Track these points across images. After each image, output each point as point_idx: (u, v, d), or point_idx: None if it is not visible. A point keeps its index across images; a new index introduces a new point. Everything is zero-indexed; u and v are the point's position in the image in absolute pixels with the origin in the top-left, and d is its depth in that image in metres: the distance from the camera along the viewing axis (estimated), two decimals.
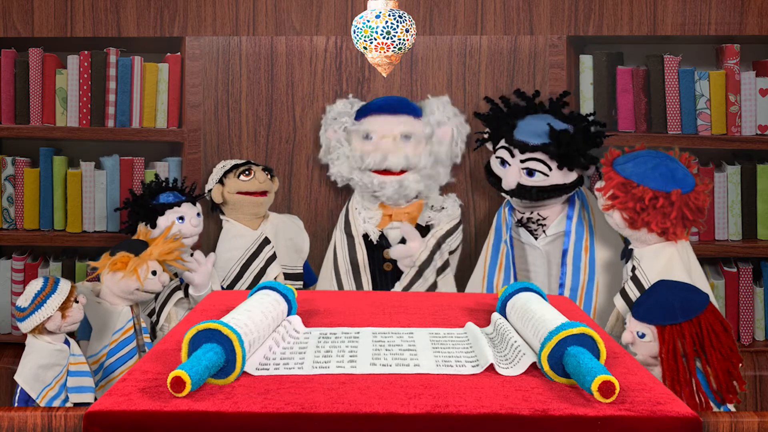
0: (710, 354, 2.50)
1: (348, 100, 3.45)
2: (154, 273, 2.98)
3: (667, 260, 2.87)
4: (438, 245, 3.35)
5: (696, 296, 2.57)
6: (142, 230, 3.15)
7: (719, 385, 2.49)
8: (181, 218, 3.20)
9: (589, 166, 3.18)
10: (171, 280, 3.10)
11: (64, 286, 2.80)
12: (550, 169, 3.14)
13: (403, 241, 3.35)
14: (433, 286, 3.33)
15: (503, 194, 3.26)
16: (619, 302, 2.94)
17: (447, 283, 3.38)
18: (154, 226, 3.17)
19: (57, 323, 2.77)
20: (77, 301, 2.82)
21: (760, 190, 3.43)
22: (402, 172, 3.31)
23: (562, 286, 3.19)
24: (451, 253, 3.42)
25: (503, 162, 3.22)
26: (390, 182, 3.29)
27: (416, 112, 3.37)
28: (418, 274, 3.32)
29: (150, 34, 3.48)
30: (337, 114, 3.41)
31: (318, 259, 3.52)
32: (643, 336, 2.61)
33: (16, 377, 2.78)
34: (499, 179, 3.23)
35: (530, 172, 3.15)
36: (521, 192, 3.16)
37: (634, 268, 2.93)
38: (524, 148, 3.15)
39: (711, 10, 3.39)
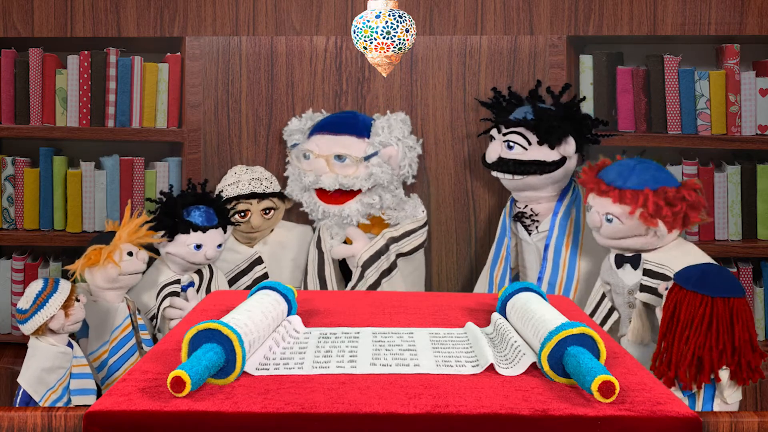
0: (693, 334, 2.51)
1: (306, 116, 3.42)
2: (130, 254, 2.98)
3: (694, 257, 2.86)
4: (387, 246, 3.32)
5: (721, 282, 2.56)
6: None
7: (681, 362, 2.50)
8: (198, 246, 3.12)
9: (569, 146, 3.17)
10: (150, 258, 3.09)
11: (65, 285, 2.80)
12: (530, 143, 3.18)
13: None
14: (374, 287, 3.29)
15: (488, 169, 3.30)
16: (644, 296, 2.89)
17: (393, 287, 3.33)
18: (171, 238, 3.13)
19: (60, 322, 2.76)
20: (78, 300, 2.82)
21: (760, 190, 3.43)
22: (339, 192, 3.30)
23: (540, 280, 3.20)
24: (401, 255, 3.35)
25: (492, 139, 3.31)
26: (333, 211, 3.30)
27: (360, 132, 3.32)
28: (360, 275, 3.31)
29: (150, 34, 3.48)
30: (291, 132, 3.42)
31: None
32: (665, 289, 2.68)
33: (19, 380, 2.78)
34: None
35: (510, 146, 3.20)
36: (500, 165, 3.23)
37: (651, 272, 2.89)
38: (508, 123, 3.23)
39: (711, 10, 3.39)
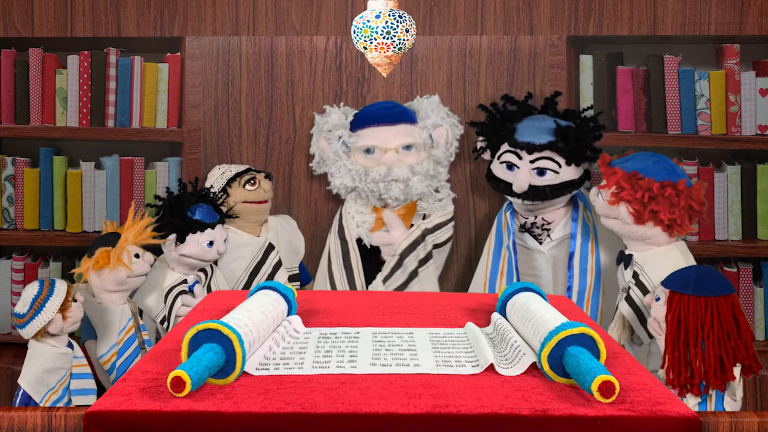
0: (708, 335, 2.51)
1: (340, 110, 3.42)
2: (137, 256, 2.97)
3: (674, 264, 2.86)
4: (423, 236, 3.35)
5: (717, 281, 2.58)
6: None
7: (707, 367, 2.51)
8: (211, 243, 3.13)
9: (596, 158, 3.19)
10: (155, 260, 3.09)
11: (61, 286, 2.78)
12: (560, 166, 3.14)
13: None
14: (413, 275, 3.32)
15: (513, 198, 3.23)
16: (625, 308, 2.91)
17: (428, 276, 3.36)
18: (182, 240, 3.11)
19: (59, 325, 2.75)
20: (75, 300, 2.80)
21: (760, 190, 3.43)
22: None
23: (570, 289, 3.18)
24: (436, 246, 3.40)
25: (510, 166, 3.20)
26: (396, 183, 3.29)
27: (411, 118, 3.37)
28: (399, 263, 3.32)
29: (150, 34, 3.48)
30: (333, 126, 3.38)
31: (316, 259, 3.52)
32: (658, 299, 2.66)
33: (19, 381, 2.77)
34: (507, 184, 3.21)
35: (541, 172, 3.14)
36: (535, 193, 3.15)
37: (636, 275, 2.91)
38: (532, 148, 3.15)
39: (711, 10, 3.39)
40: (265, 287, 2.12)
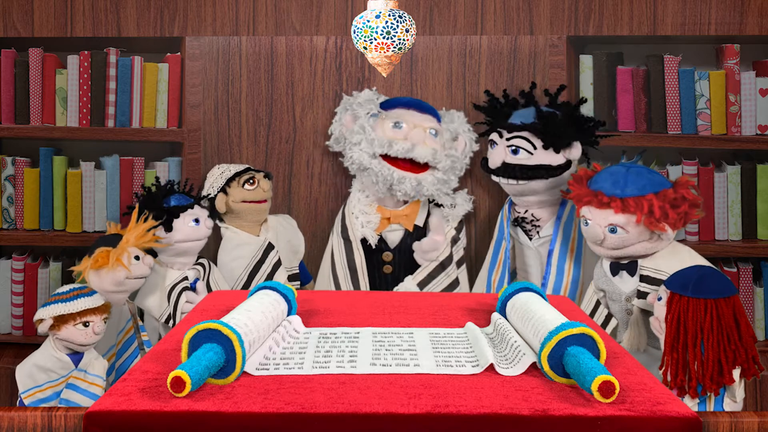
0: (708, 338, 2.51)
1: (372, 91, 3.44)
2: (137, 258, 2.97)
3: (692, 257, 2.86)
4: (454, 240, 3.40)
5: (717, 282, 2.57)
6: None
7: (705, 370, 2.50)
8: (197, 220, 3.20)
9: (576, 150, 3.19)
10: (154, 263, 3.10)
11: (81, 303, 2.71)
12: (535, 147, 3.17)
13: (417, 237, 3.36)
14: (456, 282, 3.37)
15: (491, 176, 3.29)
16: (642, 302, 2.88)
17: (464, 278, 3.44)
18: (169, 229, 3.14)
19: (44, 329, 2.72)
20: (87, 325, 2.71)
21: (760, 190, 3.43)
22: (422, 168, 3.30)
23: (544, 285, 3.20)
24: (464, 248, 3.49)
25: (492, 144, 3.29)
26: (409, 178, 3.27)
27: (438, 116, 3.40)
28: (441, 268, 3.34)
29: (150, 34, 3.48)
30: (364, 101, 3.39)
31: (316, 259, 3.52)
32: (660, 299, 2.65)
33: (17, 367, 2.76)
34: (487, 161, 3.31)
35: (515, 150, 3.18)
36: (506, 170, 3.21)
37: (648, 278, 2.89)
38: (511, 128, 3.21)
39: (711, 10, 3.39)
40: (264, 287, 2.12)
